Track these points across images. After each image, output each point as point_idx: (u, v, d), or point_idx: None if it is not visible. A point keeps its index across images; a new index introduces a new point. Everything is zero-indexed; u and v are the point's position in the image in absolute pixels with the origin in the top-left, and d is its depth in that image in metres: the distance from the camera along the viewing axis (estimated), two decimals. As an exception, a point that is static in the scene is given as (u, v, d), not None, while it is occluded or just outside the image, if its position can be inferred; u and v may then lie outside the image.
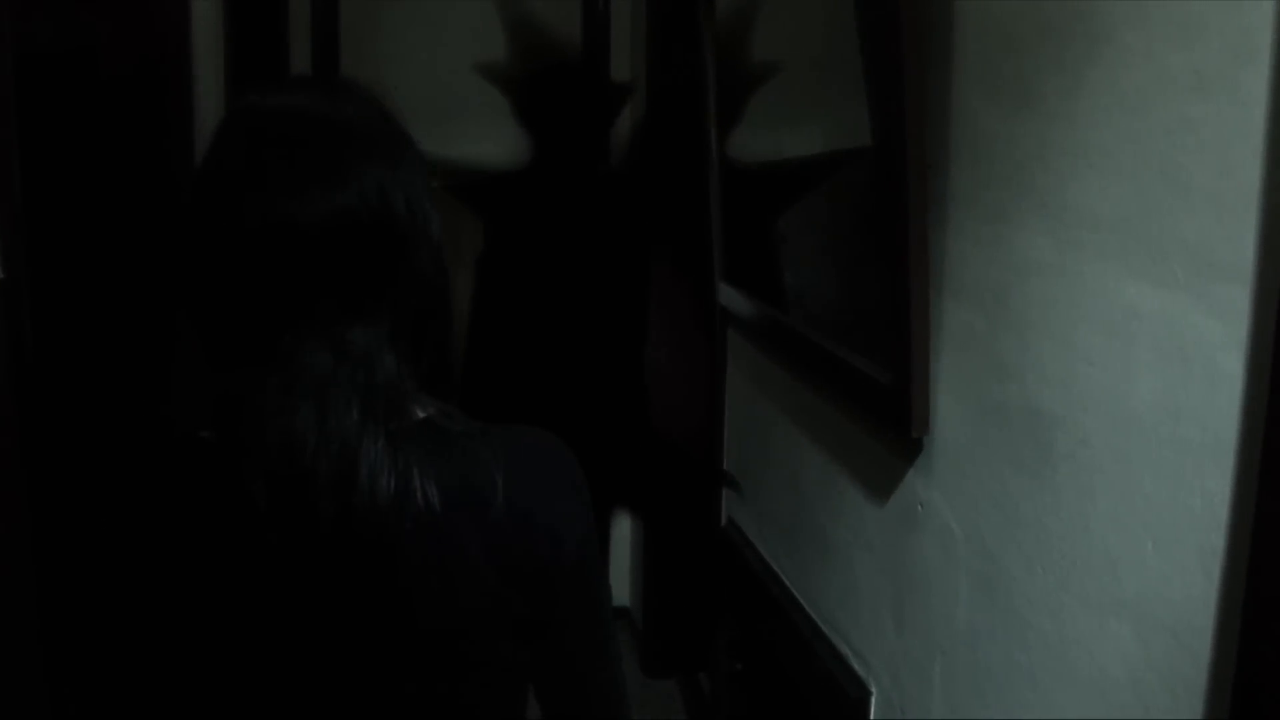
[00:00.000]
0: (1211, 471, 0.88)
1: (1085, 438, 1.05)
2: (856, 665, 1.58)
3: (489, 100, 2.96)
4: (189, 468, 0.90)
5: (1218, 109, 0.86)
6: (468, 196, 2.98)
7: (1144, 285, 0.95)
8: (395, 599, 0.88)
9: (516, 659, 0.95)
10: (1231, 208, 0.85)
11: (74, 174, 1.91)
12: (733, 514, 2.21)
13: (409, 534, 0.85)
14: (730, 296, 2.08)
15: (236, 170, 0.86)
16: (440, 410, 0.91)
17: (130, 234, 1.95)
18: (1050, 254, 1.09)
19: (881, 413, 1.42)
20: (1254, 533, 0.83)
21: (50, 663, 1.52)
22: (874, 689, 1.52)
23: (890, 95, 1.27)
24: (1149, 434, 0.96)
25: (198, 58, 2.17)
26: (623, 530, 3.30)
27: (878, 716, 1.51)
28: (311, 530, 0.83)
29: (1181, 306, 0.91)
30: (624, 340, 3.06)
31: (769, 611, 1.90)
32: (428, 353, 0.91)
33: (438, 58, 2.89)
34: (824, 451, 1.70)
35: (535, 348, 3.12)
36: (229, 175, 0.87)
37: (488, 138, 2.96)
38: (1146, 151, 0.94)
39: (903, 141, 1.25)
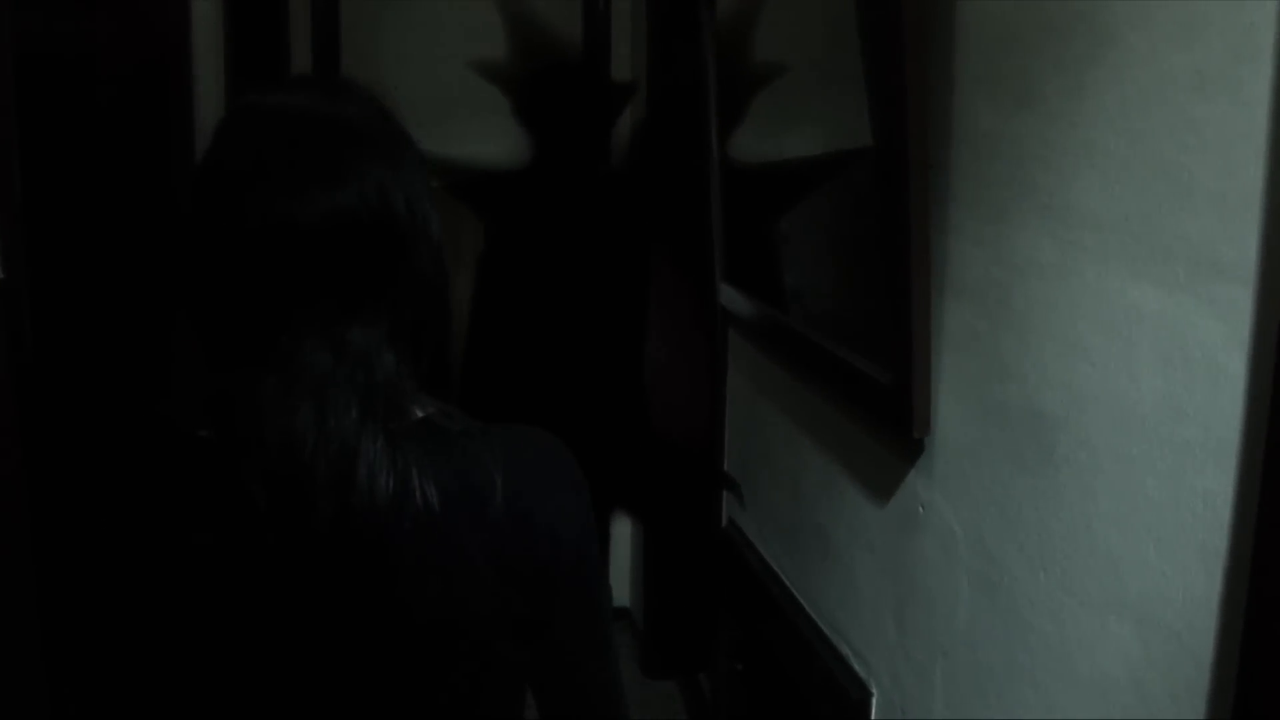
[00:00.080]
0: (1213, 472, 0.88)
1: (1087, 438, 1.05)
2: (857, 666, 1.57)
3: (489, 100, 2.96)
4: (188, 467, 0.90)
5: (1220, 109, 0.86)
6: (468, 196, 2.98)
7: (1146, 285, 0.95)
8: (394, 598, 0.88)
9: (515, 659, 0.95)
10: (1234, 208, 0.85)
11: (74, 174, 1.91)
12: (733, 514, 2.21)
13: (408, 534, 0.85)
14: (731, 297, 2.07)
15: (236, 170, 0.86)
16: (439, 410, 0.91)
17: (130, 234, 1.95)
18: (1052, 254, 1.09)
19: (882, 413, 1.42)
20: (1256, 533, 0.83)
21: (50, 661, 1.52)
22: (875, 690, 1.52)
23: (891, 95, 1.26)
24: (1151, 434, 0.96)
25: (198, 58, 2.17)
26: (623, 530, 3.30)
27: (878, 717, 1.51)
28: (310, 530, 0.83)
29: (1183, 307, 0.91)
30: (624, 340, 3.05)
31: (770, 612, 1.89)
32: (427, 352, 0.91)
33: (438, 58, 2.89)
34: (825, 452, 1.70)
35: (535, 348, 3.12)
36: (229, 174, 0.87)
37: (488, 138, 2.96)
38: (1148, 151, 0.94)
39: (904, 141, 1.25)
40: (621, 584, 3.33)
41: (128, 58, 2.03)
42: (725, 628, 2.19)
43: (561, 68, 3.01)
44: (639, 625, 3.20)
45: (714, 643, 2.30)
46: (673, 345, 2.92)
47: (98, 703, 1.00)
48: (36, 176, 1.61)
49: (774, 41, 1.89)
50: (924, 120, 1.26)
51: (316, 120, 0.88)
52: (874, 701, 1.52)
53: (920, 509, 1.37)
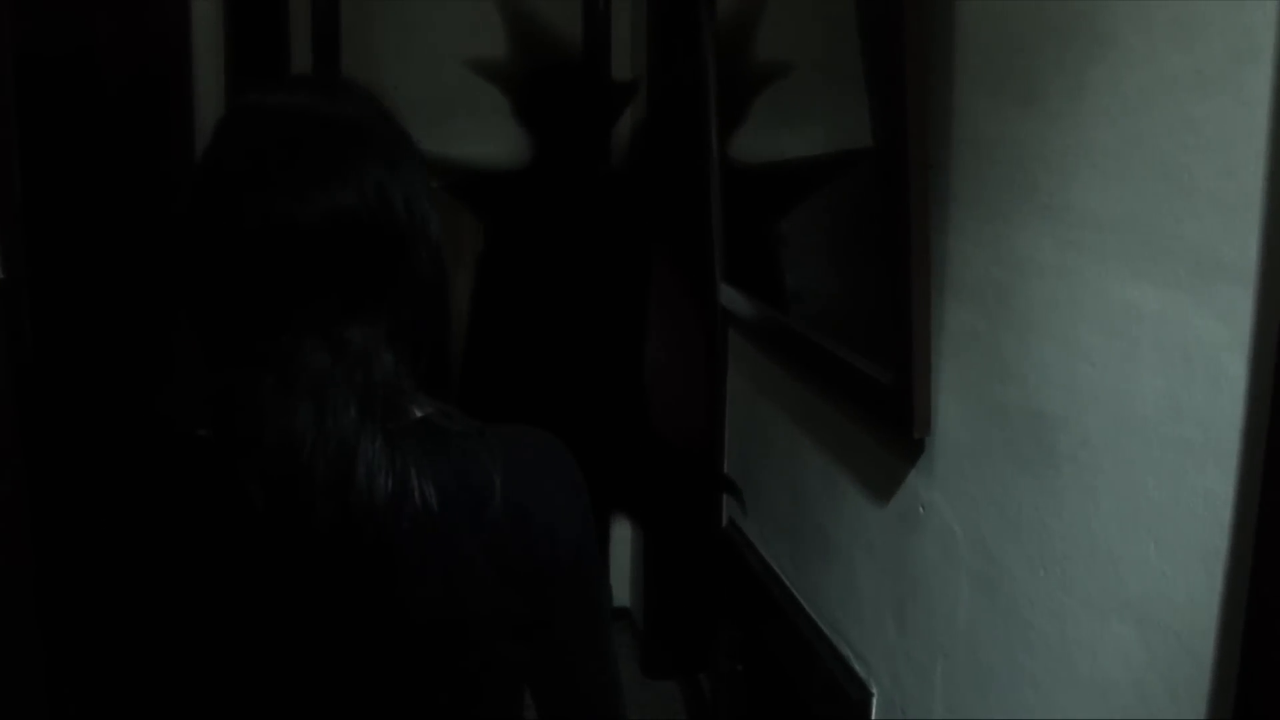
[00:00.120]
0: (1214, 472, 0.88)
1: (1087, 438, 1.05)
2: (857, 666, 1.57)
3: (489, 100, 2.96)
4: (187, 466, 0.90)
5: (1220, 109, 0.86)
6: (468, 196, 2.98)
7: (1146, 286, 0.95)
8: (392, 598, 0.88)
9: (514, 658, 0.95)
10: (1234, 208, 0.85)
11: (74, 174, 1.91)
12: (733, 515, 2.21)
13: (406, 533, 0.85)
14: (731, 297, 2.07)
15: (235, 169, 0.86)
16: (438, 410, 0.91)
17: (130, 234, 1.95)
18: (1052, 254, 1.09)
19: (883, 413, 1.42)
20: (1256, 533, 0.83)
21: (50, 660, 1.52)
22: (875, 690, 1.52)
23: (891, 95, 1.26)
24: (1151, 435, 0.96)
25: (198, 58, 2.17)
26: (623, 531, 3.30)
27: (879, 717, 1.51)
28: (309, 529, 0.83)
29: (1184, 307, 0.91)
30: (624, 340, 3.05)
31: (770, 612, 1.89)
32: (425, 352, 0.91)
33: (438, 58, 2.89)
34: (825, 452, 1.70)
35: (535, 348, 3.12)
36: (228, 174, 0.87)
37: (488, 137, 2.96)
38: (1149, 152, 0.94)
39: (904, 141, 1.25)
40: (621, 584, 3.33)
41: (128, 58, 2.03)
42: (725, 628, 2.19)
43: (561, 68, 3.01)
44: (639, 625, 3.20)
45: (714, 643, 2.30)
46: (673, 345, 2.92)
47: (97, 702, 1.00)
48: (36, 176, 1.61)
49: (774, 41, 1.89)
50: (924, 120, 1.26)
51: (316, 120, 0.87)
52: (874, 702, 1.52)
53: (920, 509, 1.37)
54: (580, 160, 3.05)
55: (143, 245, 1.93)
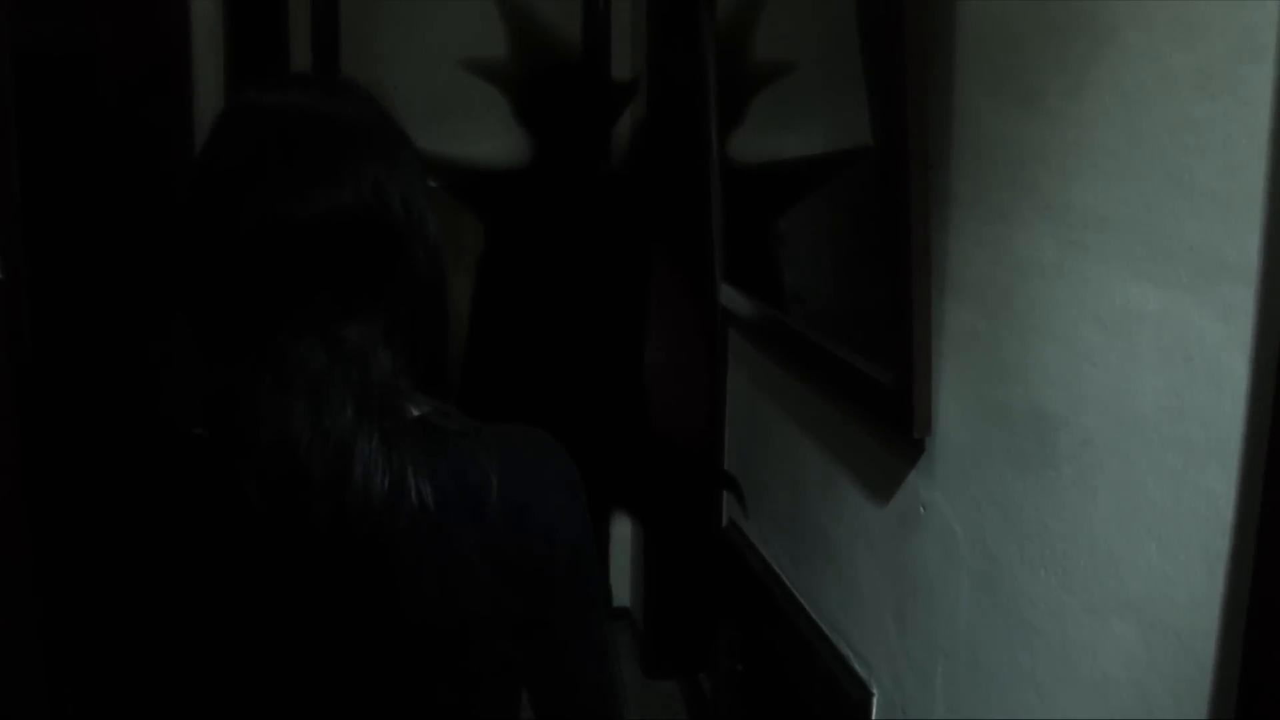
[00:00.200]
0: (1215, 472, 0.88)
1: (1088, 438, 1.05)
2: (858, 666, 1.57)
3: (489, 100, 2.96)
4: (184, 466, 0.90)
5: (1221, 108, 0.86)
6: (468, 196, 2.98)
7: (1147, 285, 0.95)
8: (390, 597, 0.87)
9: (511, 658, 0.95)
10: (1235, 208, 0.85)
11: (73, 174, 1.91)
12: (733, 515, 2.21)
13: (403, 532, 0.85)
14: (731, 297, 2.07)
15: (233, 167, 0.86)
16: (436, 409, 0.91)
17: (130, 234, 1.95)
18: (1053, 254, 1.08)
19: (883, 413, 1.42)
20: (1258, 534, 0.83)
21: (50, 659, 1.52)
22: (875, 690, 1.52)
23: (892, 94, 1.26)
24: (1152, 435, 0.95)
25: (198, 58, 2.17)
26: (623, 531, 3.30)
27: (879, 718, 1.51)
28: (306, 528, 0.83)
29: (1185, 307, 0.91)
30: (624, 340, 3.05)
31: (770, 613, 1.89)
32: (423, 352, 0.91)
33: (438, 58, 2.89)
34: (825, 452, 1.70)
35: (535, 348, 3.11)
36: (225, 172, 0.86)
37: (488, 137, 2.96)
38: (1150, 151, 0.94)
39: (904, 141, 1.25)
40: (621, 584, 3.33)
41: (128, 57, 2.03)
42: (725, 628, 2.19)
43: (561, 68, 3.01)
44: (639, 625, 3.20)
45: (714, 643, 2.30)
46: (673, 345, 2.92)
47: (96, 701, 1.00)
48: (36, 176, 1.61)
49: (774, 41, 1.89)
50: (924, 120, 1.26)
51: (313, 118, 0.87)
52: (874, 702, 1.51)
53: (921, 509, 1.37)
54: (580, 160, 3.05)
55: (142, 245, 1.93)
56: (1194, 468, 0.90)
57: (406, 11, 2.87)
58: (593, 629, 1.00)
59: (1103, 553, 1.03)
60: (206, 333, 0.89)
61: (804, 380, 1.77)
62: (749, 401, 2.12)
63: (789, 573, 1.88)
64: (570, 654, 0.98)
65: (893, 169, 1.28)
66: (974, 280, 1.23)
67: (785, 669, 1.83)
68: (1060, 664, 1.10)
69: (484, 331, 3.06)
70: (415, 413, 0.90)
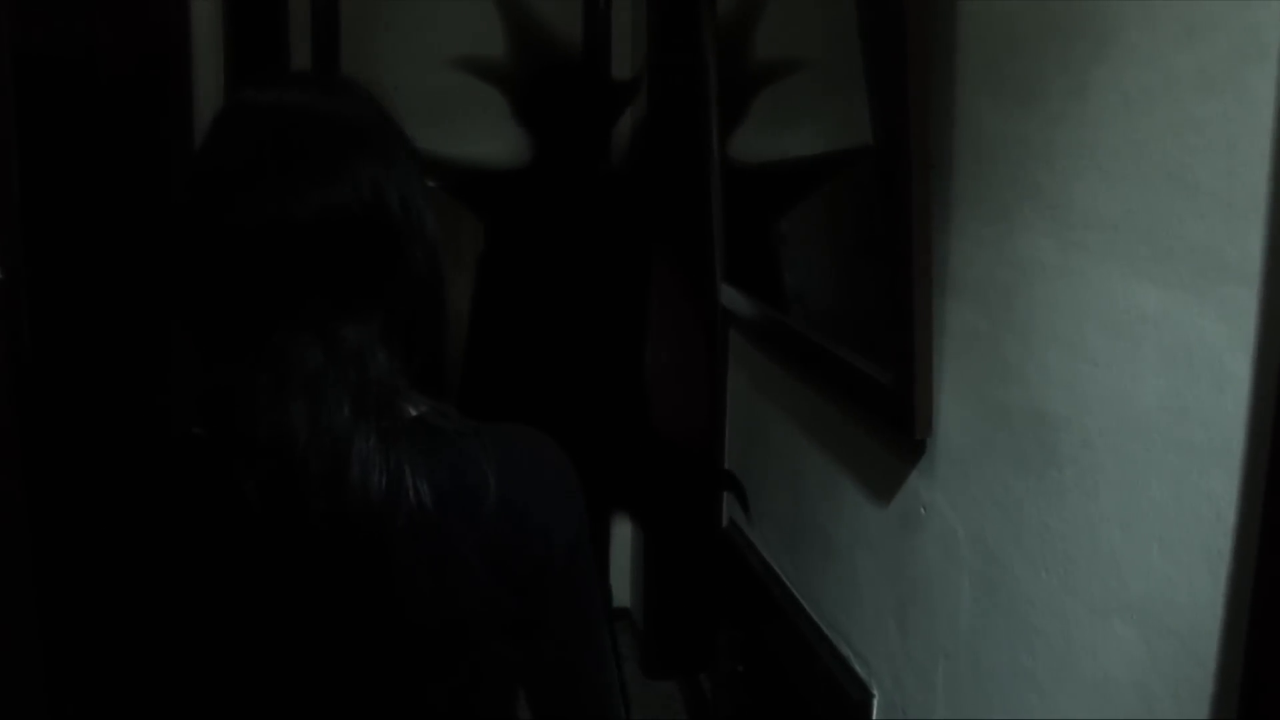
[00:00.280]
0: (1217, 474, 0.88)
1: (1089, 439, 1.04)
2: (858, 667, 1.57)
3: (489, 100, 2.96)
4: (182, 465, 0.90)
5: (1224, 109, 0.86)
6: (467, 196, 2.98)
7: (1149, 286, 0.95)
8: (387, 597, 0.87)
9: (508, 657, 0.95)
10: (1238, 208, 0.84)
11: (73, 174, 1.91)
12: (734, 515, 2.21)
13: (401, 532, 0.85)
14: (731, 297, 2.07)
15: (230, 165, 0.86)
16: (433, 408, 0.91)
17: (129, 234, 1.94)
18: (1054, 255, 1.08)
19: (884, 414, 1.42)
20: (1260, 535, 0.83)
21: (49, 658, 1.52)
22: (876, 691, 1.52)
23: (893, 94, 1.26)
24: (1154, 436, 0.95)
25: (198, 58, 2.16)
26: (623, 531, 3.30)
27: (880, 718, 1.51)
28: (303, 527, 0.83)
29: (1187, 308, 0.91)
30: (624, 341, 3.05)
31: (770, 613, 1.89)
32: (421, 351, 0.91)
33: (438, 58, 2.89)
34: (826, 453, 1.70)
35: (536, 348, 3.11)
36: (222, 170, 0.86)
37: (488, 137, 2.96)
38: (1152, 152, 0.94)
39: (905, 141, 1.25)
40: (621, 584, 3.32)
41: (127, 58, 2.02)
42: (726, 628, 2.19)
43: (561, 67, 3.01)
44: (639, 625, 3.19)
45: (714, 643, 2.29)
46: (673, 345, 2.92)
47: (95, 700, 1.00)
48: (35, 176, 1.61)
49: (775, 40, 1.89)
50: (926, 120, 1.25)
51: (311, 117, 0.87)
52: (875, 703, 1.51)
53: (922, 510, 1.37)
54: (580, 160, 3.05)
55: (141, 245, 1.92)
56: (1196, 468, 0.90)
57: (406, 11, 2.87)
58: (590, 629, 0.99)
59: (1104, 553, 1.03)
60: (204, 332, 0.89)
61: (804, 381, 1.77)
62: (749, 402, 2.11)
63: (789, 573, 1.88)
64: (568, 654, 0.98)
65: (894, 169, 1.28)
66: (975, 281, 1.23)
67: (785, 670, 1.83)
68: (1062, 665, 1.10)
69: (484, 331, 3.06)
70: (413, 412, 0.90)
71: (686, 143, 2.47)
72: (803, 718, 1.78)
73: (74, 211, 1.91)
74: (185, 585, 0.89)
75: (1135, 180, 0.96)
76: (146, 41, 2.05)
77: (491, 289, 3.06)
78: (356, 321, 0.86)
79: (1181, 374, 0.92)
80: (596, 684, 1.01)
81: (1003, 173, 1.16)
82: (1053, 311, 1.09)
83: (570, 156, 3.05)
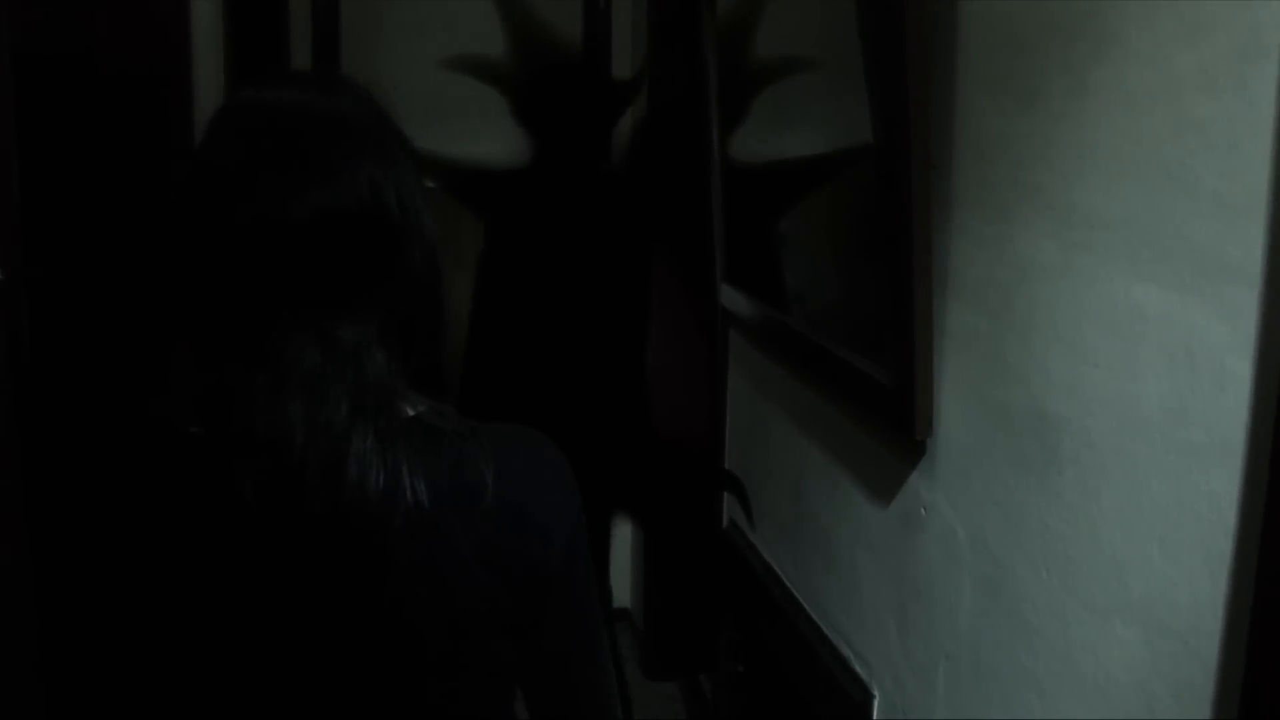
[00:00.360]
0: (1218, 474, 0.88)
1: (1090, 440, 1.04)
2: (859, 668, 1.57)
3: (489, 100, 2.96)
4: (180, 464, 0.90)
5: (1225, 109, 0.85)
6: (467, 196, 2.97)
7: (1150, 287, 0.95)
8: (384, 596, 0.87)
9: (505, 657, 0.95)
10: (1239, 208, 0.84)
11: (73, 174, 1.91)
12: (734, 515, 2.21)
13: (399, 531, 0.85)
14: (732, 297, 2.07)
15: (228, 165, 0.86)
16: (431, 408, 0.91)
17: (128, 234, 1.94)
18: (1055, 255, 1.08)
19: (884, 414, 1.42)
20: (1261, 535, 0.83)
21: (47, 656, 1.52)
22: (876, 692, 1.52)
23: (893, 94, 1.26)
24: (1155, 437, 0.95)
25: (198, 58, 2.17)
26: (624, 531, 3.29)
27: (880, 719, 1.51)
28: (301, 527, 0.83)
29: (1188, 308, 0.90)
30: (625, 341, 3.05)
31: (771, 613, 1.89)
32: (419, 350, 0.91)
33: (438, 57, 2.89)
34: (826, 453, 1.70)
35: (536, 348, 3.11)
36: (221, 169, 0.86)
37: (488, 137, 2.96)
38: (1153, 152, 0.94)
39: (906, 141, 1.24)
40: (621, 584, 3.32)
41: (127, 57, 2.02)
42: (726, 629, 2.19)
43: (561, 67, 3.01)
44: (639, 626, 3.19)
45: (715, 644, 2.29)
46: (673, 345, 2.92)
47: (93, 698, 1.00)
48: (35, 176, 1.61)
49: (775, 40, 1.89)
50: (926, 120, 1.25)
51: (310, 116, 0.87)
52: (875, 703, 1.51)
53: (922, 510, 1.37)
54: (580, 160, 3.05)
55: (141, 245, 1.92)
56: (1197, 469, 0.90)
57: (406, 11, 2.86)
58: (588, 629, 0.99)
59: (1105, 554, 1.03)
60: (202, 331, 0.89)
61: (805, 381, 1.77)
62: (750, 402, 2.11)
63: (790, 573, 1.88)
64: (565, 654, 0.98)
65: (894, 169, 1.27)
66: (975, 281, 1.23)
67: (786, 670, 1.83)
68: (1062, 665, 1.10)
69: (484, 332, 3.06)
70: (411, 412, 0.90)
71: (686, 143, 2.47)
72: (803, 718, 1.78)
73: (74, 212, 1.91)
74: (183, 585, 0.89)
75: (1136, 180, 0.96)
76: (146, 41, 2.05)
77: (491, 289, 3.06)
78: (354, 321, 0.86)
79: (1182, 374, 0.91)
80: (594, 684, 1.01)
81: (1003, 173, 1.16)
82: (1053, 311, 1.09)
83: (570, 156, 3.05)
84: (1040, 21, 1.08)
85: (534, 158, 3.02)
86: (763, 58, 1.94)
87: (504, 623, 0.92)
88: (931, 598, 1.36)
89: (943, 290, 1.28)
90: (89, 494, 0.95)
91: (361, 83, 0.94)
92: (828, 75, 1.66)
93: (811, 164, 1.75)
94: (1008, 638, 1.19)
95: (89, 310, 1.91)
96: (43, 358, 1.62)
